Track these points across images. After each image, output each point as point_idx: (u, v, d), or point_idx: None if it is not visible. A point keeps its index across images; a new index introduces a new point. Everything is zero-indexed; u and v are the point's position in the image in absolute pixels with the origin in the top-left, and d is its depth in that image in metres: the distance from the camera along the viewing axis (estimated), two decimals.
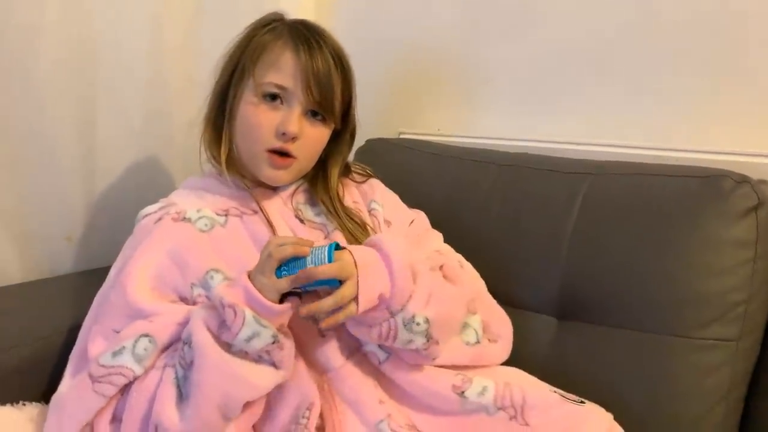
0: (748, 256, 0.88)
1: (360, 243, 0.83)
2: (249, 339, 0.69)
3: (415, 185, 1.13)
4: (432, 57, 1.36)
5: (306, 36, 0.85)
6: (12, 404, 0.83)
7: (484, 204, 1.07)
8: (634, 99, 1.14)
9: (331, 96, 0.85)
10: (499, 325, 0.91)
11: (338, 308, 0.73)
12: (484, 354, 0.87)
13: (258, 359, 0.71)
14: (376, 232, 0.92)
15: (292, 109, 0.84)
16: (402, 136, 1.37)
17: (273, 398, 0.76)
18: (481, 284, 0.95)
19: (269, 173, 0.87)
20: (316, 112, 0.87)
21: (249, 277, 0.72)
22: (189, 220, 0.86)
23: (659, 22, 1.10)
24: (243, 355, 0.71)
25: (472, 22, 1.31)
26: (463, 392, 0.79)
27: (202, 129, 0.90)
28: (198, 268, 0.82)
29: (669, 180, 0.94)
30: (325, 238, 0.89)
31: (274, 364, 0.72)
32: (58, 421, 0.74)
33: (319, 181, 0.93)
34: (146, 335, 0.75)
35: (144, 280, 0.80)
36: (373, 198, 0.97)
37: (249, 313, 0.69)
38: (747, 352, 0.90)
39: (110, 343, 0.77)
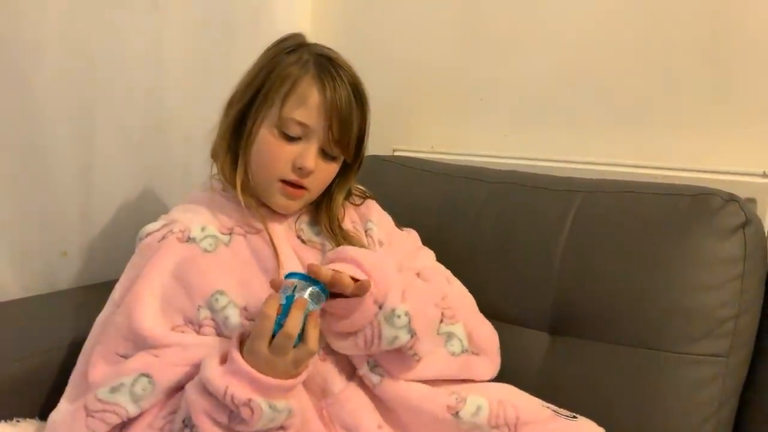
0: (736, 273, 0.90)
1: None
2: (266, 426, 0.69)
3: (409, 202, 1.14)
4: (426, 75, 1.38)
5: (332, 73, 0.84)
6: (6, 421, 0.83)
7: (477, 221, 1.08)
8: (624, 118, 1.16)
9: (349, 134, 0.86)
10: (483, 338, 0.91)
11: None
12: (471, 364, 0.88)
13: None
14: None
15: (309, 145, 0.85)
16: (396, 153, 1.39)
17: None
18: (470, 300, 0.96)
19: (281, 202, 0.88)
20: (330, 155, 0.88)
21: (243, 351, 0.71)
22: (194, 240, 0.85)
23: (651, 42, 1.12)
24: None
25: (466, 41, 1.33)
26: (457, 413, 0.80)
27: (215, 148, 0.90)
28: (203, 290, 0.81)
29: (659, 198, 0.96)
30: (324, 256, 0.89)
31: (283, 428, 0.72)
32: None
33: (323, 205, 0.94)
34: (147, 375, 0.74)
35: (152, 304, 0.80)
36: (369, 218, 0.98)
37: (264, 405, 0.68)
38: (737, 367, 0.91)
39: (111, 369, 0.76)
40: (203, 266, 0.83)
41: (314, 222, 0.94)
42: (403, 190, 1.18)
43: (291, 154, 0.84)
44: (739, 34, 1.04)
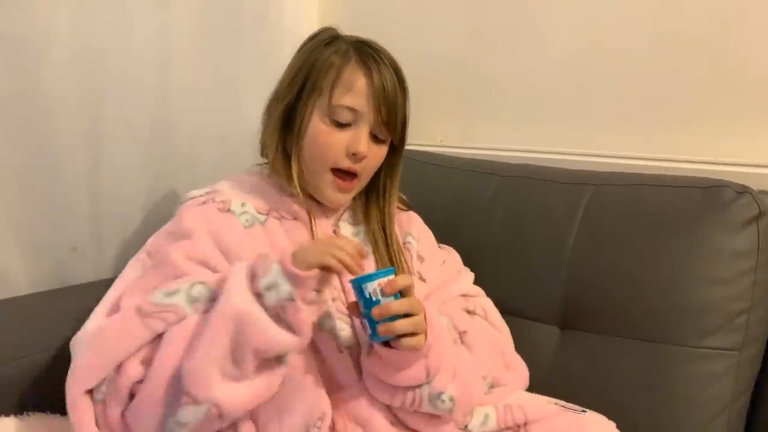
0: (749, 266, 0.89)
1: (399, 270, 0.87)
2: (268, 288, 0.70)
3: (418, 196, 1.13)
4: (435, 69, 1.37)
5: (374, 57, 0.86)
6: (17, 415, 0.83)
7: (486, 214, 1.08)
8: (634, 110, 1.15)
9: (396, 115, 0.87)
10: (509, 377, 0.90)
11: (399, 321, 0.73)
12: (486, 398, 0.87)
13: (277, 318, 0.70)
14: (406, 266, 0.92)
15: (360, 130, 0.86)
16: (406, 147, 1.38)
17: (282, 403, 0.76)
18: (505, 334, 0.95)
19: (332, 196, 0.89)
20: (380, 137, 0.89)
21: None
22: (233, 212, 0.86)
23: (661, 34, 1.11)
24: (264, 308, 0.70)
25: (474, 35, 1.32)
26: (466, 426, 0.82)
27: (265, 145, 0.91)
28: (240, 256, 0.81)
29: (670, 191, 0.95)
30: None
31: (291, 329, 0.71)
32: (95, 353, 0.73)
33: (372, 198, 0.95)
34: (202, 282, 0.74)
35: (190, 254, 0.80)
36: (409, 231, 0.97)
37: (275, 266, 0.70)
38: (749, 361, 0.90)
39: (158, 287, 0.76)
40: (240, 236, 0.84)
41: (355, 220, 0.94)
42: (413, 184, 1.17)
43: (343, 140, 0.85)
44: (749, 24, 1.03)
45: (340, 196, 0.89)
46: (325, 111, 0.85)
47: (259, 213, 0.88)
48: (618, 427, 0.81)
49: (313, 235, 0.88)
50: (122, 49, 1.10)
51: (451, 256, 1.02)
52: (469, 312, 0.92)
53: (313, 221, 0.89)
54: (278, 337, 0.70)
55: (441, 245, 1.02)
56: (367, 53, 0.86)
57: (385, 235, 0.92)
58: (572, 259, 0.98)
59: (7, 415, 0.83)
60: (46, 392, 0.86)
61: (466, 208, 1.10)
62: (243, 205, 0.88)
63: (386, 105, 0.85)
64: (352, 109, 0.85)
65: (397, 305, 0.72)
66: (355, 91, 0.85)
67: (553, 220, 1.02)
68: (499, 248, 1.05)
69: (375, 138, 0.88)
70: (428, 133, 1.38)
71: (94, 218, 1.13)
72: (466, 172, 1.16)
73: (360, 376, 0.81)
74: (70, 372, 0.74)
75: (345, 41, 0.89)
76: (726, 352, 0.88)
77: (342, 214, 0.94)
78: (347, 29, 0.92)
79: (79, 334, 0.76)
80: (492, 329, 0.93)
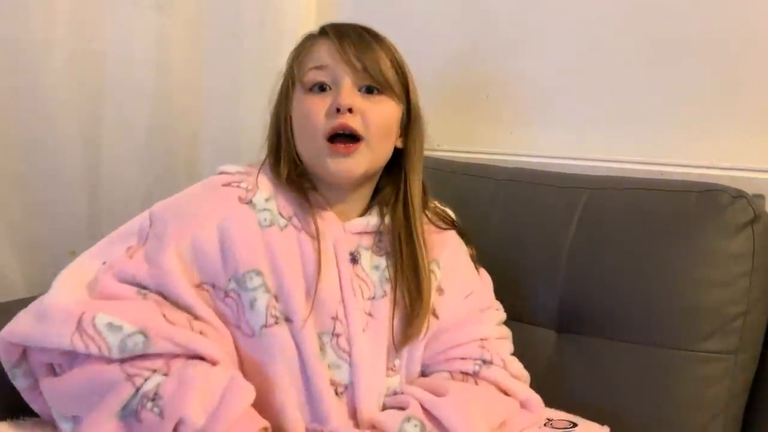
0: (745, 270, 0.89)
1: (414, 316, 0.80)
2: None
3: None
4: (432, 72, 1.37)
5: (333, 24, 0.83)
6: (10, 420, 0.82)
7: (483, 218, 1.08)
8: (631, 115, 1.15)
9: (374, 56, 0.80)
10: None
11: None
12: None
13: None
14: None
15: (340, 85, 0.79)
16: None
17: None
18: (521, 387, 0.86)
19: (333, 166, 0.79)
20: (371, 88, 0.80)
21: None
22: (253, 206, 0.79)
23: (656, 38, 1.11)
24: None
25: (472, 40, 1.32)
26: None
27: (268, 150, 0.86)
28: (242, 263, 0.76)
29: (666, 194, 0.95)
30: (370, 299, 0.82)
31: None
32: (40, 323, 0.71)
33: (398, 205, 0.84)
34: (144, 334, 0.69)
35: (185, 253, 0.76)
36: (436, 258, 0.86)
37: None
38: (746, 364, 0.90)
39: (122, 297, 0.73)
40: (251, 240, 0.77)
41: (379, 250, 0.84)
42: None
43: (325, 102, 0.79)
44: (746, 29, 1.03)
45: (344, 162, 0.78)
46: (300, 89, 0.81)
47: (281, 215, 0.80)
48: (614, 431, 0.81)
49: (320, 253, 0.79)
50: (121, 51, 1.10)
51: (482, 287, 0.93)
52: (485, 362, 0.83)
53: (319, 237, 0.80)
54: None
55: (477, 266, 0.94)
56: (328, 25, 0.83)
57: (417, 273, 0.82)
58: (569, 263, 0.99)
59: (2, 419, 0.82)
60: None
61: (463, 211, 1.10)
62: (267, 200, 0.80)
63: (356, 48, 0.79)
64: (319, 67, 0.79)
65: None
66: (315, 55, 0.81)
67: (549, 224, 1.02)
68: (496, 252, 1.04)
69: (367, 90, 0.80)
70: (426, 137, 1.39)
71: (92, 221, 1.13)
72: (463, 176, 1.16)
73: (356, 423, 0.78)
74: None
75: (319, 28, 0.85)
76: (722, 356, 0.89)
77: (363, 235, 0.85)
78: None
79: (46, 300, 0.74)
80: (497, 396, 0.83)
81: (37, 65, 1.00)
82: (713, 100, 1.07)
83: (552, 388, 0.89)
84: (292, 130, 0.83)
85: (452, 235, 0.92)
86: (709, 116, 1.08)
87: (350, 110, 0.77)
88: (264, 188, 0.81)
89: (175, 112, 1.21)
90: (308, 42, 0.84)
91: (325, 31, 0.83)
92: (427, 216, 0.89)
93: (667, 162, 1.08)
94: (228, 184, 0.81)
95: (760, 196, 0.95)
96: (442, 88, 1.37)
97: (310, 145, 0.81)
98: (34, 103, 1.01)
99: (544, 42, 1.24)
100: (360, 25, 0.84)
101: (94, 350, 0.68)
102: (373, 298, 0.82)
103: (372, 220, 0.85)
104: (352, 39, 0.80)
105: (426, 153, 1.30)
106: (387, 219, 0.85)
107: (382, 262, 0.84)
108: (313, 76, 0.80)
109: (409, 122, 0.85)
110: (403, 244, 0.83)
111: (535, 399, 0.85)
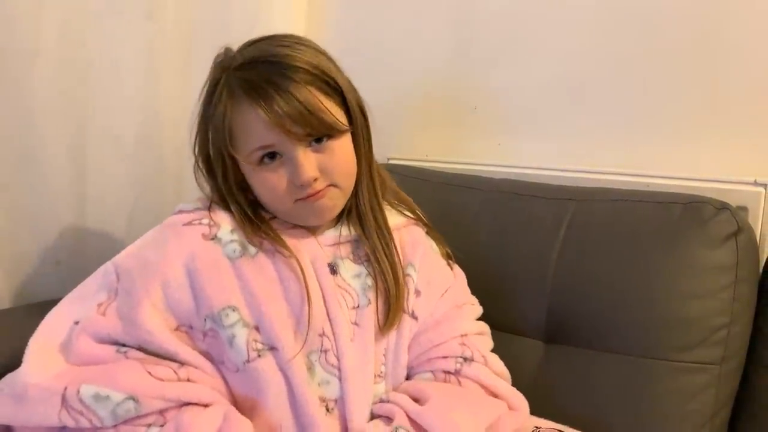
0: (729, 281, 0.90)
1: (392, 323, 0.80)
2: None
3: None
4: (421, 84, 1.38)
5: (257, 84, 0.74)
6: None
7: (471, 229, 1.09)
8: (616, 127, 1.16)
9: (317, 114, 0.74)
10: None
11: None
12: None
13: None
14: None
15: (292, 156, 0.75)
16: (391, 162, 1.39)
17: None
18: (503, 384, 0.86)
19: (312, 218, 0.80)
20: (319, 138, 0.77)
21: None
22: (219, 240, 0.77)
23: (643, 51, 1.13)
24: None
25: (460, 52, 1.33)
26: None
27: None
28: (215, 301, 0.75)
29: (651, 206, 0.96)
30: (354, 308, 0.81)
31: None
32: (17, 404, 0.68)
33: (365, 217, 0.83)
34: (134, 399, 0.68)
35: (157, 299, 0.75)
36: (411, 261, 0.86)
37: None
38: (730, 375, 0.91)
39: (103, 362, 0.71)
40: (221, 275, 0.76)
41: (357, 258, 0.84)
42: None
43: (284, 177, 0.76)
44: (730, 43, 1.05)
45: (317, 203, 0.78)
46: (245, 161, 0.77)
47: (250, 243, 0.78)
48: None
49: (303, 272, 0.78)
50: (109, 61, 1.10)
51: (456, 284, 0.92)
52: (466, 359, 0.83)
53: (293, 252, 0.78)
54: None
55: (451, 263, 0.94)
56: (250, 84, 0.75)
57: (394, 274, 0.82)
58: (556, 274, 0.99)
59: None
60: None
61: (450, 222, 1.10)
62: (233, 231, 0.79)
63: (289, 110, 0.72)
64: (264, 147, 0.75)
65: None
66: (257, 131, 0.74)
67: (537, 235, 1.02)
68: (483, 262, 1.05)
69: (315, 142, 0.76)
70: (413, 147, 1.39)
71: (78, 232, 1.12)
72: (450, 186, 1.17)
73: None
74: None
75: (232, 73, 0.77)
76: (707, 366, 0.89)
77: (340, 245, 0.84)
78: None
79: (17, 377, 0.71)
80: (483, 398, 0.83)
81: (23, 75, 1.00)
82: (698, 111, 1.09)
83: (539, 397, 0.89)
84: (243, 187, 0.81)
85: (419, 232, 0.91)
86: (694, 128, 1.09)
87: (315, 179, 0.76)
88: (225, 222, 0.80)
89: (163, 123, 1.20)
90: (234, 112, 0.76)
91: (252, 99, 0.74)
92: (387, 202, 0.89)
93: (652, 174, 1.09)
94: (189, 223, 0.79)
95: (744, 208, 0.96)
96: (430, 99, 1.38)
97: (279, 207, 0.80)
98: (20, 111, 1.01)
99: (531, 54, 1.25)
100: (267, 63, 0.76)
101: (85, 424, 0.67)
102: (357, 307, 0.81)
103: (344, 230, 0.85)
104: (276, 100, 0.73)
105: (413, 164, 1.32)
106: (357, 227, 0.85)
107: (363, 269, 0.83)
108: (260, 154, 0.76)
109: (351, 122, 0.80)
110: (378, 250, 0.83)
111: (519, 397, 0.85)
